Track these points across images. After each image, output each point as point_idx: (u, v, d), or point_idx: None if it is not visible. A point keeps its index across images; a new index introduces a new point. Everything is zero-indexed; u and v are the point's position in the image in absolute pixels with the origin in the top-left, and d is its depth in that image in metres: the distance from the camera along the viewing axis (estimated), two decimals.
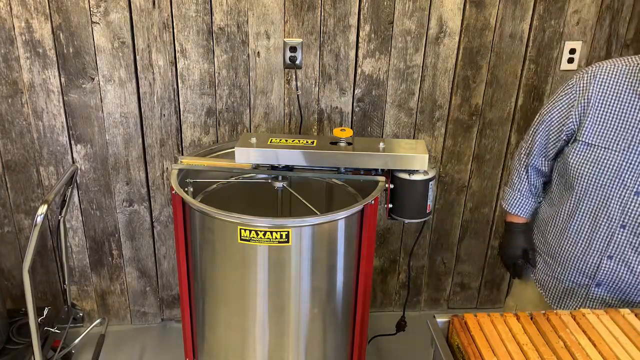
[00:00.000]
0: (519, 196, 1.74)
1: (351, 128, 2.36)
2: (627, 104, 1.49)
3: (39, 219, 1.85)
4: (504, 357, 1.35)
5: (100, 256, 2.53)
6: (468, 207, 2.64)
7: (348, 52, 2.27)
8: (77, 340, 2.38)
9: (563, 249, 1.66)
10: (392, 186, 1.76)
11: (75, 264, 2.52)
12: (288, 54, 2.24)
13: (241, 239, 1.59)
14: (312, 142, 1.78)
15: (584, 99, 1.52)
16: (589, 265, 1.63)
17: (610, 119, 1.50)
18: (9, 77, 2.16)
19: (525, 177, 1.72)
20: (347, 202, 1.82)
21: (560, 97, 1.58)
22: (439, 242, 2.71)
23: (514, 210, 1.75)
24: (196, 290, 1.82)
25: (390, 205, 1.80)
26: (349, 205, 1.65)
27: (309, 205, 1.76)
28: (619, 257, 1.57)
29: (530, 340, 1.40)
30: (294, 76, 2.30)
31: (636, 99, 1.47)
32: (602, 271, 1.61)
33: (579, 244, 1.62)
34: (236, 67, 2.26)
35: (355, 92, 2.35)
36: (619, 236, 1.55)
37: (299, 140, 1.78)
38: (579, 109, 1.53)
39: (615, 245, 1.57)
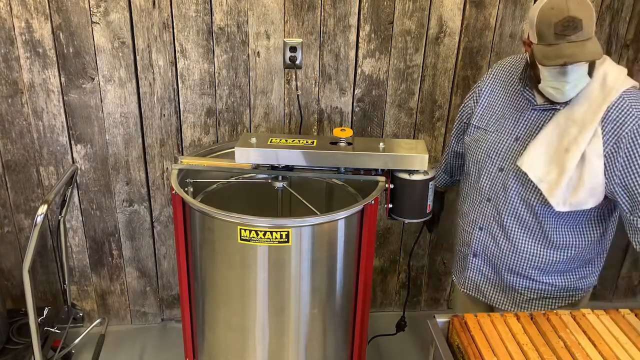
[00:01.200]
0: (440, 171, 2.04)
1: (351, 128, 2.36)
2: (512, 92, 1.67)
3: (39, 219, 1.85)
4: (504, 357, 1.35)
5: (100, 256, 2.53)
6: None
7: (348, 52, 2.27)
8: (77, 340, 2.38)
9: (457, 220, 1.88)
10: (392, 186, 1.76)
11: (75, 264, 2.52)
12: (288, 54, 2.24)
13: (241, 239, 1.58)
14: (312, 142, 1.78)
15: (479, 89, 1.76)
16: (467, 235, 1.81)
17: (495, 105, 1.71)
18: (9, 77, 2.16)
19: (445, 156, 2.01)
20: (347, 202, 1.82)
21: (471, 89, 1.84)
22: (439, 242, 2.71)
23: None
24: (196, 290, 1.82)
25: (390, 205, 1.80)
26: (349, 205, 1.65)
27: (309, 205, 1.76)
28: (486, 228, 1.74)
29: (530, 340, 1.40)
30: (294, 76, 2.30)
31: (520, 87, 1.64)
32: (474, 241, 1.79)
33: (463, 215, 1.83)
34: (236, 67, 2.26)
35: (355, 92, 2.35)
36: (486, 209, 1.72)
37: (299, 140, 1.78)
38: (474, 97, 1.78)
39: (484, 217, 1.74)
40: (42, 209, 1.86)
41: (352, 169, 1.80)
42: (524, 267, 1.70)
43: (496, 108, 1.70)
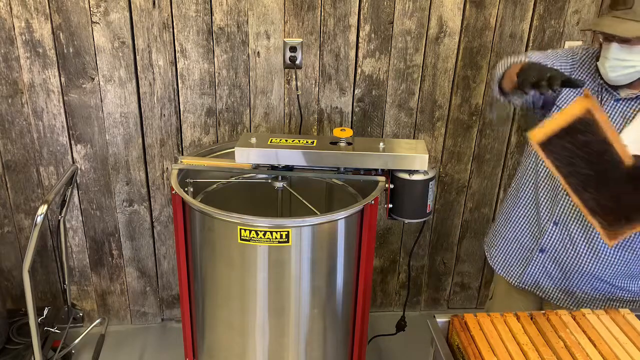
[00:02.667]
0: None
1: (351, 128, 2.36)
2: (591, 83, 1.55)
3: (39, 219, 1.85)
4: (504, 357, 1.35)
5: (100, 256, 2.53)
6: (468, 207, 2.64)
7: (348, 52, 2.27)
8: (77, 340, 2.38)
9: (516, 208, 1.72)
10: (392, 186, 1.76)
11: (75, 264, 2.52)
12: (288, 54, 2.24)
13: (241, 239, 1.58)
14: (312, 142, 1.78)
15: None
16: (536, 227, 1.65)
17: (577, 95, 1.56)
18: (9, 77, 2.16)
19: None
20: (347, 202, 1.82)
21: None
22: (439, 242, 2.71)
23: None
24: (196, 290, 1.82)
25: (390, 205, 1.80)
26: (349, 205, 1.65)
27: (309, 205, 1.76)
28: (563, 224, 1.59)
29: (530, 340, 1.40)
30: (294, 76, 2.30)
31: (599, 79, 1.52)
32: (545, 236, 1.64)
33: (530, 206, 1.67)
34: (236, 67, 2.26)
35: (355, 92, 2.35)
36: (566, 202, 1.57)
37: (299, 140, 1.78)
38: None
39: (562, 212, 1.59)
40: (42, 209, 1.86)
41: (352, 169, 1.80)
42: (604, 273, 1.59)
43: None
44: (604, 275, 1.60)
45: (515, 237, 1.74)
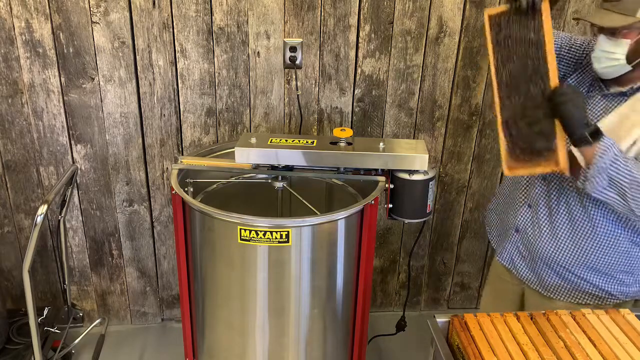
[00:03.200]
0: None
1: (351, 128, 2.36)
2: (584, 76, 1.59)
3: (39, 219, 1.85)
4: (504, 357, 1.35)
5: (100, 256, 2.53)
6: (468, 207, 2.64)
7: (348, 52, 2.27)
8: (77, 340, 2.38)
9: (506, 186, 1.80)
10: (392, 186, 1.76)
11: (75, 264, 2.52)
12: (288, 54, 2.24)
13: (241, 239, 1.58)
14: (312, 142, 1.78)
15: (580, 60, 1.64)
16: (515, 208, 1.73)
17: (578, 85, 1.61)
18: (9, 77, 2.16)
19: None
20: (347, 202, 1.82)
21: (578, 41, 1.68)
22: (439, 242, 2.71)
23: None
24: (196, 290, 1.82)
25: (390, 205, 1.80)
26: (349, 205, 1.65)
27: (309, 205, 1.76)
28: (535, 208, 1.66)
29: (530, 340, 1.40)
30: (294, 76, 2.30)
31: (592, 72, 1.54)
32: (520, 217, 1.71)
33: (518, 186, 1.72)
34: (236, 67, 2.26)
35: (355, 92, 2.35)
36: (540, 188, 1.64)
37: (299, 140, 1.78)
38: (581, 57, 1.63)
39: (536, 196, 1.65)
40: (42, 209, 1.86)
41: (352, 169, 1.80)
42: (563, 259, 1.62)
43: (580, 88, 1.59)
44: (564, 261, 1.64)
45: (502, 213, 1.82)
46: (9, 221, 2.39)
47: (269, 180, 1.83)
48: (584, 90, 1.56)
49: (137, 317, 2.69)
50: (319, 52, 2.26)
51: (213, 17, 2.17)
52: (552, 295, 1.70)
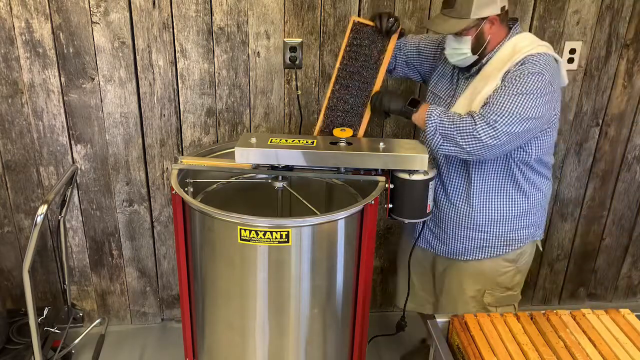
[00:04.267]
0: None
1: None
2: (447, 64, 1.91)
3: (39, 219, 1.85)
4: (504, 357, 1.35)
5: (100, 256, 2.53)
6: None
7: None
8: (77, 340, 2.38)
9: None
10: (392, 186, 1.77)
11: (75, 264, 2.52)
12: (288, 54, 2.24)
13: (241, 239, 1.58)
14: (312, 142, 1.78)
15: (440, 55, 1.96)
16: None
17: (445, 76, 1.94)
18: (9, 77, 2.16)
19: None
20: (347, 202, 1.82)
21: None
22: None
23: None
24: (196, 290, 1.82)
25: (390, 205, 1.80)
26: (349, 205, 1.65)
27: (309, 205, 1.76)
28: (437, 185, 1.92)
29: (530, 340, 1.41)
30: (294, 76, 2.30)
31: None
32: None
33: None
34: (236, 67, 2.26)
35: None
36: (439, 168, 1.89)
37: (299, 140, 1.78)
38: (439, 53, 1.99)
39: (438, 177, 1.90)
40: (42, 209, 1.86)
41: (352, 169, 1.80)
42: (461, 220, 1.89)
43: (445, 78, 1.90)
44: (466, 223, 1.89)
45: None
46: (9, 221, 2.40)
47: (269, 180, 1.83)
48: (449, 77, 1.88)
49: (137, 317, 2.69)
50: (319, 52, 2.26)
51: (213, 17, 2.17)
52: (464, 258, 1.93)
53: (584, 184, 2.63)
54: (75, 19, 2.11)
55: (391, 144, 1.79)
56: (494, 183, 1.82)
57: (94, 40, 2.15)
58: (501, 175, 1.81)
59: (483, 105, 1.66)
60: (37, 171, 2.32)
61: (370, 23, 1.78)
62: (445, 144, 1.68)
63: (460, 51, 1.73)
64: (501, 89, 1.65)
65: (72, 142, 2.30)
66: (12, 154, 2.28)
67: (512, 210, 1.84)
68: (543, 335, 1.42)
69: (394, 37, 1.83)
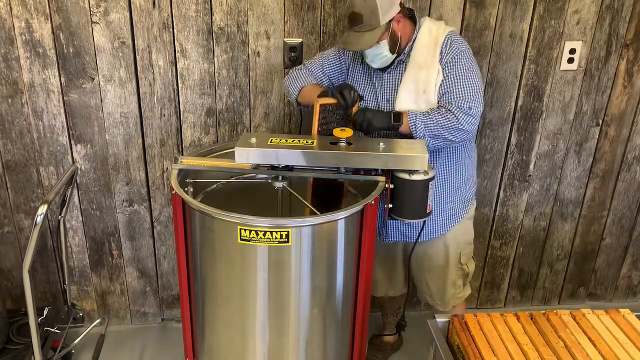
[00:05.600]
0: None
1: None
2: (361, 66, 2.01)
3: (39, 219, 1.85)
4: (504, 357, 1.35)
5: (100, 256, 2.53)
6: None
7: None
8: (77, 340, 2.39)
9: None
10: (392, 186, 1.76)
11: (75, 264, 2.52)
12: (288, 54, 2.24)
13: (241, 239, 1.58)
14: (312, 142, 1.78)
15: (346, 61, 2.06)
16: None
17: (358, 77, 2.03)
18: (9, 77, 2.16)
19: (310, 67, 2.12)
20: (347, 202, 1.82)
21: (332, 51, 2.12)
22: None
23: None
24: (196, 290, 1.82)
25: (390, 205, 1.80)
26: (349, 205, 1.65)
27: (309, 205, 1.76)
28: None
29: (530, 340, 1.41)
30: None
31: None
32: None
33: None
34: (236, 67, 2.26)
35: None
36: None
37: (299, 140, 1.78)
38: (344, 61, 2.06)
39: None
40: (42, 209, 1.86)
41: (352, 169, 1.80)
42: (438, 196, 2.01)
43: (360, 77, 1.99)
44: (439, 198, 2.01)
45: None
46: (9, 221, 2.40)
47: (269, 180, 1.83)
48: (364, 75, 1.99)
49: (137, 317, 2.69)
50: (319, 52, 2.26)
51: (213, 17, 2.17)
52: (442, 233, 2.04)
53: (584, 184, 2.63)
54: (75, 18, 2.11)
55: (391, 144, 1.79)
56: (452, 156, 1.98)
57: (94, 40, 2.15)
58: (455, 149, 1.97)
59: (443, 95, 1.82)
60: (37, 171, 2.32)
61: (333, 101, 1.85)
62: (435, 142, 1.83)
63: (381, 55, 1.85)
64: (451, 75, 1.82)
65: (72, 142, 2.30)
66: (12, 154, 2.28)
67: (465, 173, 2.04)
68: (543, 335, 1.42)
69: (355, 107, 1.89)
